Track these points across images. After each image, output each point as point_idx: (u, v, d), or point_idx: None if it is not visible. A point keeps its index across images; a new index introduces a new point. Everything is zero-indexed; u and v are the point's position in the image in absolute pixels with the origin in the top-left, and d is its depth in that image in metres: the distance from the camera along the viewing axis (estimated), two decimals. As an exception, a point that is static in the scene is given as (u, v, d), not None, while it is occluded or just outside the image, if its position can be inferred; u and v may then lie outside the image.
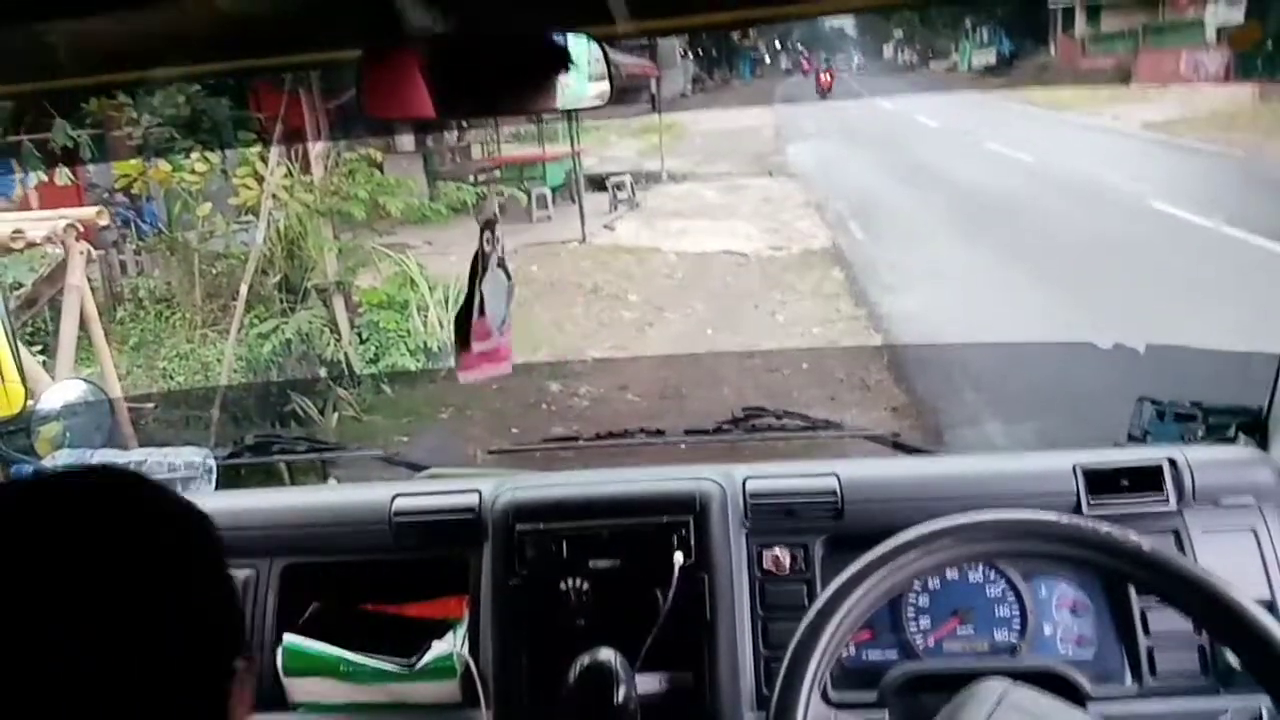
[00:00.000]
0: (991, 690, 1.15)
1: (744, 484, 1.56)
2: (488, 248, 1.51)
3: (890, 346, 7.09)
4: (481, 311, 1.51)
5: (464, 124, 12.40)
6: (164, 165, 7.45)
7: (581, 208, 12.21)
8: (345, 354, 7.15)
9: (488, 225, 1.51)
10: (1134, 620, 1.45)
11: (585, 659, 1.32)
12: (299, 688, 1.54)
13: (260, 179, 7.28)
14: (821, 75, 35.02)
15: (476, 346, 1.52)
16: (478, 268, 1.51)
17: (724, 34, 33.75)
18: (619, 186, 13.83)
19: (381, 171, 8.45)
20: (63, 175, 6.78)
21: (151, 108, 7.39)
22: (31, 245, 4.85)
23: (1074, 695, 1.38)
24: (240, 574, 1.59)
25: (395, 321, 7.56)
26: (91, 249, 5.22)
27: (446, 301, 7.75)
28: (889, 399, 5.95)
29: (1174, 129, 15.76)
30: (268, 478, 2.13)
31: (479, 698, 1.48)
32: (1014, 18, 35.17)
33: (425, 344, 7.50)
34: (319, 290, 7.41)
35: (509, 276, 1.56)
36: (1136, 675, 1.44)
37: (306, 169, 7.72)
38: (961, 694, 1.17)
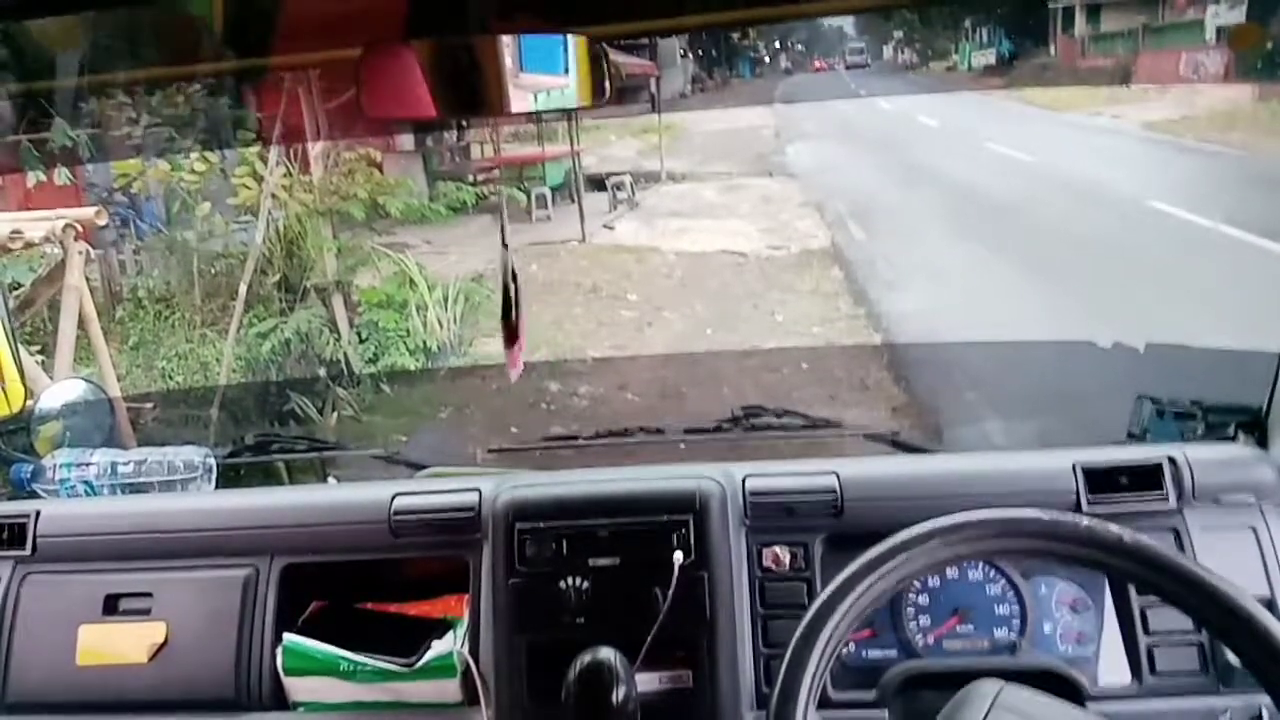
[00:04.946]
0: (986, 691, 1.15)
1: (744, 482, 1.56)
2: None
3: (890, 345, 7.10)
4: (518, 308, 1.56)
5: (463, 123, 12.40)
6: (163, 165, 7.46)
7: (581, 207, 12.21)
8: (344, 353, 7.15)
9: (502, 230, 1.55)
10: (1134, 618, 1.45)
11: (585, 658, 1.32)
12: (299, 687, 1.55)
13: (259, 178, 7.28)
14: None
15: (519, 342, 1.58)
16: (509, 268, 1.54)
17: (724, 34, 33.80)
18: (618, 186, 13.83)
19: (381, 171, 8.45)
20: (61, 175, 6.77)
21: (150, 107, 7.39)
22: (30, 245, 4.85)
23: (1073, 694, 1.38)
24: (240, 573, 1.60)
25: (394, 321, 7.57)
26: (90, 249, 5.22)
27: (445, 301, 7.75)
28: (888, 398, 5.95)
29: (1174, 129, 15.76)
30: (267, 477, 2.13)
31: (479, 697, 1.48)
32: (1014, 18, 35.16)
33: (424, 343, 7.50)
34: (318, 290, 7.42)
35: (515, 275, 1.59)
36: (1136, 673, 1.44)
37: (305, 168, 7.72)
38: (957, 696, 1.17)
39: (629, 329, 8.36)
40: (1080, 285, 7.86)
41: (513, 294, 1.56)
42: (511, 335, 1.57)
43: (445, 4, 1.13)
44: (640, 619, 1.42)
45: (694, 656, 1.47)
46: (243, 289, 7.02)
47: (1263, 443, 1.59)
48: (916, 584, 1.52)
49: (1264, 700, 1.27)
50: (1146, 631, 1.44)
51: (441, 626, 1.57)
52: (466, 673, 1.51)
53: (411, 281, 7.82)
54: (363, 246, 7.91)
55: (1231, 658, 1.36)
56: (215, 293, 7.78)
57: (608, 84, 1.23)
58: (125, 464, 1.84)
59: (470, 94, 1.17)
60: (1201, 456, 1.53)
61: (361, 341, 7.44)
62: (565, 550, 1.50)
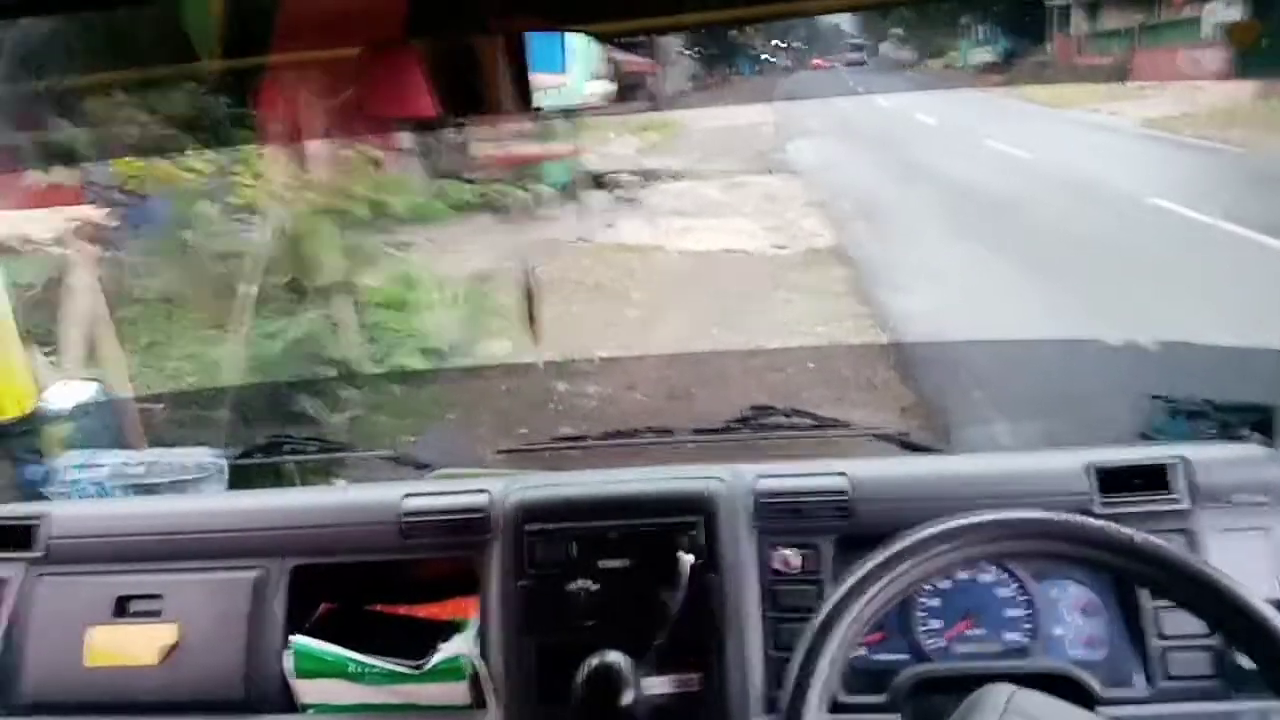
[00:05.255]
0: (998, 696, 1.15)
1: (753, 483, 1.56)
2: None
3: (896, 345, 7.08)
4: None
5: (464, 123, 12.38)
6: (168, 164, 7.45)
7: (583, 206, 12.20)
8: (352, 354, 7.14)
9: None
10: (1146, 622, 1.44)
11: (593, 661, 1.32)
12: (308, 689, 1.55)
13: (262, 178, 7.27)
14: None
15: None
16: (529, 272, 1.56)
17: (723, 32, 33.77)
18: (620, 184, 13.83)
19: (383, 170, 8.44)
20: (69, 176, 6.77)
21: (154, 106, 7.38)
22: (40, 246, 4.85)
23: (1084, 698, 1.38)
24: (250, 575, 1.60)
25: (401, 321, 7.57)
26: (98, 249, 5.22)
27: (452, 300, 7.75)
28: (896, 398, 5.93)
29: (1173, 125, 15.74)
30: (277, 478, 2.13)
31: (488, 699, 1.48)
32: (1011, 16, 35.14)
33: (431, 343, 7.49)
34: (325, 290, 7.40)
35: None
36: (1148, 678, 1.43)
37: (308, 167, 7.71)
38: (968, 700, 1.17)
39: (633, 328, 8.35)
40: (1082, 282, 7.84)
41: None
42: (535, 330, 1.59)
43: (446, 3, 1.13)
44: (649, 621, 1.42)
45: (703, 660, 1.46)
46: (250, 289, 7.00)
47: (1274, 442, 1.59)
48: (927, 587, 1.51)
49: (1277, 705, 1.27)
50: (1159, 635, 1.43)
51: (450, 628, 1.57)
52: (475, 675, 1.51)
53: (417, 281, 7.81)
54: (367, 246, 7.90)
55: (1244, 661, 1.36)
56: (223, 293, 7.77)
57: (610, 82, 1.23)
58: (135, 465, 1.84)
59: (471, 93, 1.17)
60: (1213, 456, 1.53)
61: (369, 342, 7.43)
62: (574, 552, 1.50)
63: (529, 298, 1.59)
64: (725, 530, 1.50)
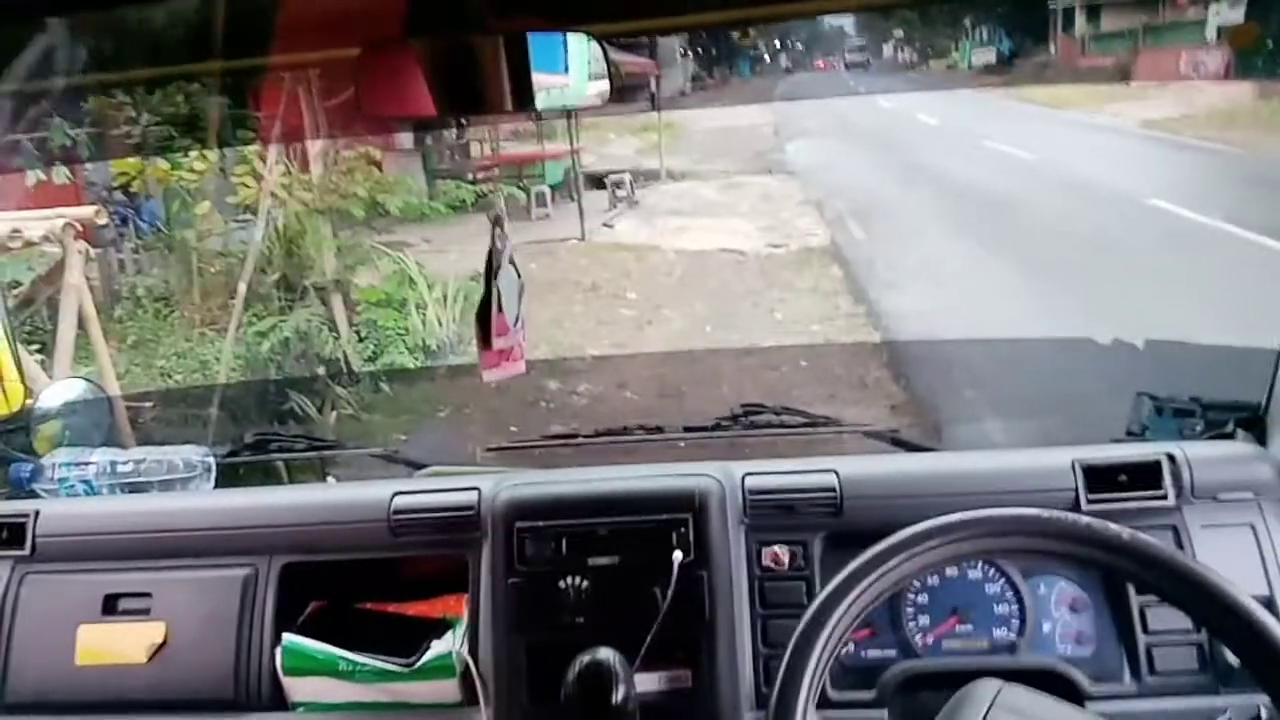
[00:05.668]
0: (985, 691, 1.15)
1: (743, 481, 1.56)
2: (499, 244, 1.54)
3: (889, 343, 7.09)
4: (499, 308, 1.55)
5: (463, 122, 12.39)
6: (162, 164, 7.46)
7: (581, 206, 12.21)
8: (344, 352, 7.14)
9: (497, 222, 1.54)
10: (1133, 618, 1.45)
11: (584, 658, 1.32)
12: (298, 687, 1.54)
13: (259, 177, 7.28)
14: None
15: (497, 344, 1.56)
16: (491, 264, 1.54)
17: (724, 33, 33.81)
18: (618, 185, 13.83)
19: (380, 170, 8.45)
20: (60, 174, 6.77)
21: (150, 106, 7.39)
22: (30, 244, 4.85)
23: (1072, 693, 1.38)
24: (239, 573, 1.60)
25: (394, 319, 7.58)
26: (90, 248, 5.22)
27: (445, 299, 7.75)
28: (888, 396, 5.94)
29: (1173, 127, 15.77)
30: (266, 476, 2.13)
31: (478, 697, 1.48)
32: (1014, 17, 35.18)
33: (424, 342, 7.50)
34: (317, 288, 7.41)
35: (519, 274, 1.59)
36: (1135, 673, 1.44)
37: (305, 167, 7.71)
38: (956, 696, 1.17)
39: (628, 327, 8.35)
40: (1080, 282, 7.85)
41: (497, 291, 1.55)
42: (487, 336, 1.57)
43: (445, 3, 1.13)
44: (640, 619, 1.42)
45: (693, 656, 1.46)
46: (242, 288, 7.01)
47: (1262, 440, 1.59)
48: (916, 583, 1.51)
49: (1263, 700, 1.27)
50: (1145, 631, 1.44)
51: (441, 626, 1.56)
52: (466, 673, 1.50)
53: (411, 280, 7.82)
54: (362, 245, 7.91)
55: (1230, 657, 1.36)
56: (214, 291, 7.77)
57: (608, 83, 1.23)
58: (124, 463, 1.84)
59: (470, 93, 1.17)
60: (1200, 454, 1.53)
61: (361, 340, 7.44)
62: (565, 549, 1.49)
63: (488, 296, 1.57)
64: (715, 527, 1.50)
